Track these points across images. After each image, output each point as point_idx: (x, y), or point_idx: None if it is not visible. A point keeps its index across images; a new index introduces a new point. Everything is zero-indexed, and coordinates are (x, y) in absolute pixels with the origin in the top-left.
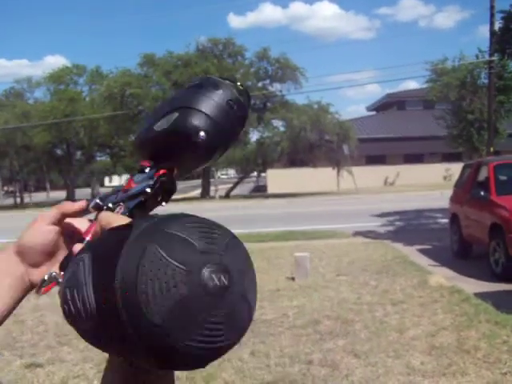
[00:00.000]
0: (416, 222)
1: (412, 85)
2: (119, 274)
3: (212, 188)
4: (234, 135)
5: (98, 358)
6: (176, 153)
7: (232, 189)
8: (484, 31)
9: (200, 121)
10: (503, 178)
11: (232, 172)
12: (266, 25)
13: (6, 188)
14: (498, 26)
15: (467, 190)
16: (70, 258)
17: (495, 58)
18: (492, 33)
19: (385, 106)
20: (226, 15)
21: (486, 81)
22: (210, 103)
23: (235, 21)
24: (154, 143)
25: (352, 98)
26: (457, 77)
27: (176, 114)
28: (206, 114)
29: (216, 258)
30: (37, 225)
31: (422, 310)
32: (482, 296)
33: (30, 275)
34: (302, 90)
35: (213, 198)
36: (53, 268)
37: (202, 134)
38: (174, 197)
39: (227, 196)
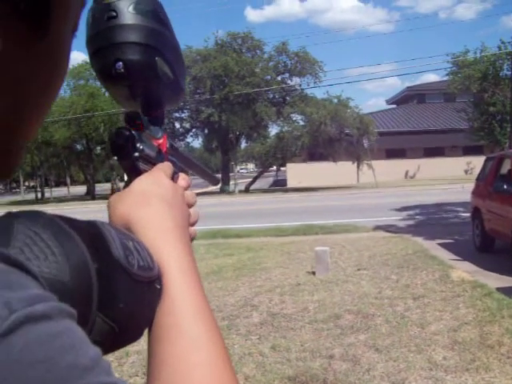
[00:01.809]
0: (437, 215)
1: (432, 77)
2: None
3: (231, 182)
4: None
5: (119, 352)
6: None
7: (251, 183)
8: (507, 22)
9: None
10: None
11: (251, 166)
12: (284, 18)
13: (27, 183)
14: None
15: (489, 183)
16: None
17: None
18: None
19: (405, 99)
20: (243, 9)
21: (508, 72)
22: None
23: (252, 14)
24: None
25: (371, 91)
26: (478, 69)
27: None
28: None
29: None
30: None
31: (443, 305)
32: (505, 291)
33: None
34: (320, 83)
35: (232, 192)
36: None
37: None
38: (194, 192)
39: (247, 190)
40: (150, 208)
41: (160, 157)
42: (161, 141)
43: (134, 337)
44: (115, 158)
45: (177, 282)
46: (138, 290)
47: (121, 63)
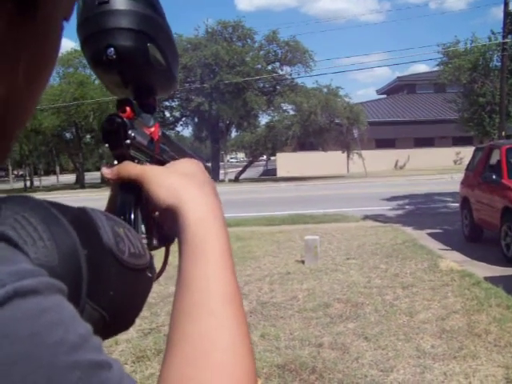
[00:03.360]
0: (426, 205)
1: (422, 68)
2: None
3: (221, 171)
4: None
5: (108, 340)
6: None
7: (241, 172)
8: (497, 12)
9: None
10: None
11: (241, 156)
12: (275, 7)
13: (15, 172)
14: None
15: (478, 173)
16: None
17: (508, 39)
18: (506, 13)
19: (395, 89)
20: None
21: (498, 63)
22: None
23: (243, 3)
24: None
25: (362, 82)
26: (469, 59)
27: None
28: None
29: None
30: None
31: (432, 294)
32: (493, 280)
33: None
34: (311, 72)
35: (222, 181)
36: None
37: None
38: None
39: (236, 179)
40: (202, 190)
41: (151, 145)
42: (152, 129)
43: (125, 325)
44: (106, 145)
45: (216, 262)
46: (129, 278)
47: (112, 49)
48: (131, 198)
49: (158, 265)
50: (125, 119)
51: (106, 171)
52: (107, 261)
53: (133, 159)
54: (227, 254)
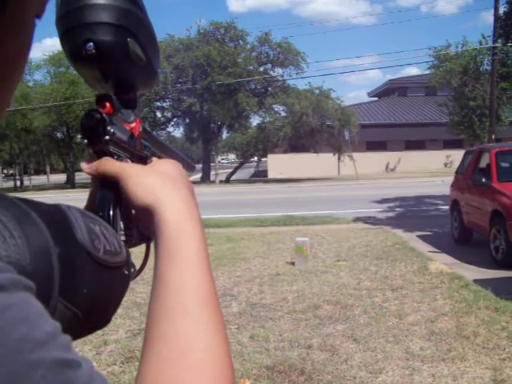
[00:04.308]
0: (416, 208)
1: (414, 71)
2: None
3: (212, 172)
4: None
5: (97, 341)
6: None
7: (232, 173)
8: (487, 17)
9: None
10: (505, 164)
11: (232, 157)
12: (266, 9)
13: (6, 171)
14: (502, 10)
15: (468, 176)
16: None
17: (499, 44)
18: (496, 18)
19: (386, 91)
20: None
21: (488, 67)
22: None
23: (235, 4)
24: None
25: (353, 84)
26: (459, 63)
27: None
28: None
29: None
30: None
31: (421, 296)
32: (482, 282)
33: None
34: (303, 74)
35: (213, 182)
36: None
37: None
38: None
39: (227, 181)
40: (180, 192)
41: (132, 141)
42: (133, 124)
43: (100, 323)
44: (85, 141)
45: (192, 262)
46: (104, 275)
47: (91, 44)
48: (110, 194)
49: (139, 263)
50: (104, 115)
51: (85, 166)
52: (81, 259)
53: (112, 155)
54: (203, 254)
